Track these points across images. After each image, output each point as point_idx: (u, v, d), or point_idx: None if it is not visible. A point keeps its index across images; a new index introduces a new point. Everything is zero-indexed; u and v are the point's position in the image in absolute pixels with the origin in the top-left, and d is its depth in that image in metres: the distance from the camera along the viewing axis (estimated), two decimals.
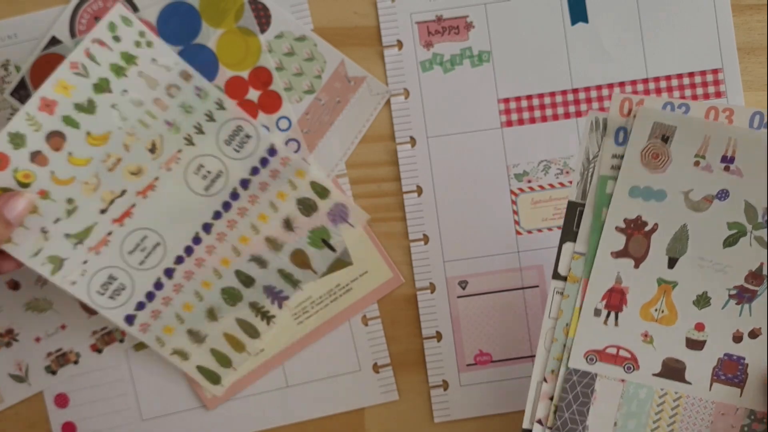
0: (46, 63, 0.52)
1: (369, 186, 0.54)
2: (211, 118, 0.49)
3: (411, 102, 0.54)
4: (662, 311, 0.43)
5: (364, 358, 0.55)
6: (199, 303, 0.51)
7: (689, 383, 0.43)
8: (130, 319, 0.51)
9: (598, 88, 0.54)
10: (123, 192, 0.48)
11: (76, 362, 0.54)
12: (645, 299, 0.43)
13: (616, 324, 0.43)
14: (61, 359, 0.54)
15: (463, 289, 0.54)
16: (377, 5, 0.54)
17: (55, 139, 0.46)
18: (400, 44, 0.54)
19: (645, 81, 0.54)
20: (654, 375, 0.43)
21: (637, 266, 0.43)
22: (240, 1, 0.52)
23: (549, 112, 0.54)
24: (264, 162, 0.51)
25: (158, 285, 0.50)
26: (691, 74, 0.54)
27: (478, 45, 0.54)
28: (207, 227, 0.51)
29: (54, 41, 0.52)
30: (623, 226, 0.42)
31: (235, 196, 0.51)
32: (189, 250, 0.50)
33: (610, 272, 0.43)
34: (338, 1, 0.54)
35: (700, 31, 0.54)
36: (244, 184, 0.51)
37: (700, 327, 0.43)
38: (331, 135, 0.54)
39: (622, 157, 0.42)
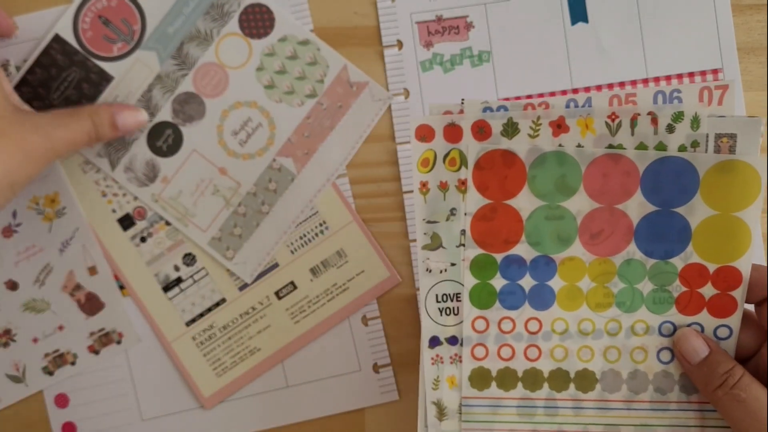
0: (47, 62, 0.52)
1: (369, 186, 0.54)
2: None
3: (411, 102, 0.54)
4: None
5: (364, 358, 0.55)
6: None
7: None
8: None
9: (598, 88, 0.54)
10: None
11: (73, 363, 0.54)
12: None
13: None
14: (58, 360, 0.54)
15: None
16: (377, 5, 0.54)
17: None
18: (400, 44, 0.54)
19: (645, 81, 0.54)
20: None
21: None
22: (756, 191, 0.42)
23: None
24: None
25: None
26: (691, 74, 0.54)
27: (478, 45, 0.54)
28: None
29: (57, 39, 0.52)
30: None
31: None
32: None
33: None
34: (338, 1, 0.54)
35: (700, 31, 0.54)
36: None
37: None
38: (332, 139, 0.54)
39: None
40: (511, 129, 0.42)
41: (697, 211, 0.42)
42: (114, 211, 0.54)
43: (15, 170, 0.44)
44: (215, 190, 0.54)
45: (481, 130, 0.43)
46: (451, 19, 0.54)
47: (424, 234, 0.44)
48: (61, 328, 0.54)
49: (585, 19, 0.54)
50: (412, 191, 0.54)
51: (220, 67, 0.53)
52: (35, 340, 0.54)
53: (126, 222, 0.54)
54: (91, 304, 0.54)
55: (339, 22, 0.54)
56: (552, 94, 0.54)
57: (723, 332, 0.44)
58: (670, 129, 0.42)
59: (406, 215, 0.54)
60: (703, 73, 0.54)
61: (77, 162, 0.53)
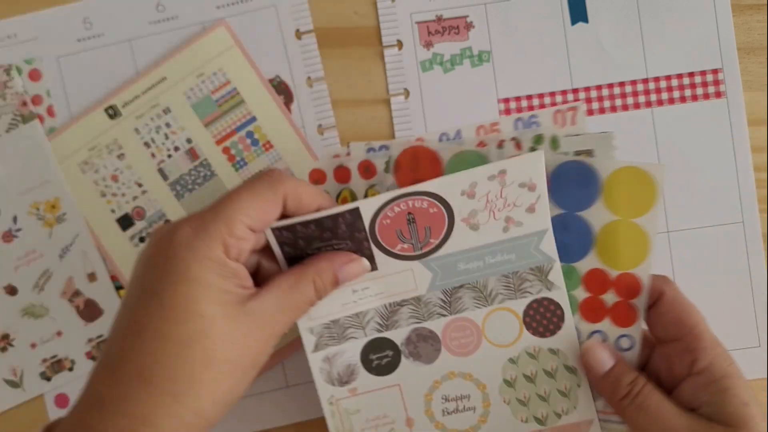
0: (329, 224, 0.44)
1: None
2: None
3: (411, 102, 0.54)
4: None
5: None
6: None
7: None
8: None
9: (598, 88, 0.54)
10: None
11: (71, 369, 0.54)
12: None
13: None
14: (56, 366, 0.54)
15: None
16: (377, 5, 0.53)
17: None
18: (400, 44, 0.54)
19: (645, 81, 0.54)
20: None
21: None
22: (653, 199, 0.43)
23: None
24: None
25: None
26: (691, 74, 0.54)
27: (478, 45, 0.54)
28: None
29: (354, 212, 0.44)
30: None
31: None
32: None
33: None
34: (338, 1, 0.53)
35: (700, 31, 0.54)
36: None
37: None
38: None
39: None
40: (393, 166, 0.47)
41: (598, 216, 0.44)
42: (113, 211, 0.54)
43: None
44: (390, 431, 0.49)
45: (367, 169, 0.46)
46: (451, 19, 0.53)
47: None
48: (59, 334, 0.54)
49: (585, 19, 0.54)
50: None
51: (479, 333, 0.48)
52: (33, 346, 0.54)
53: (125, 222, 0.54)
54: (90, 311, 0.54)
55: (339, 22, 0.53)
56: (552, 94, 0.54)
57: (625, 342, 0.45)
58: (533, 151, 0.44)
59: None
60: (702, 72, 0.54)
61: (76, 162, 0.53)
